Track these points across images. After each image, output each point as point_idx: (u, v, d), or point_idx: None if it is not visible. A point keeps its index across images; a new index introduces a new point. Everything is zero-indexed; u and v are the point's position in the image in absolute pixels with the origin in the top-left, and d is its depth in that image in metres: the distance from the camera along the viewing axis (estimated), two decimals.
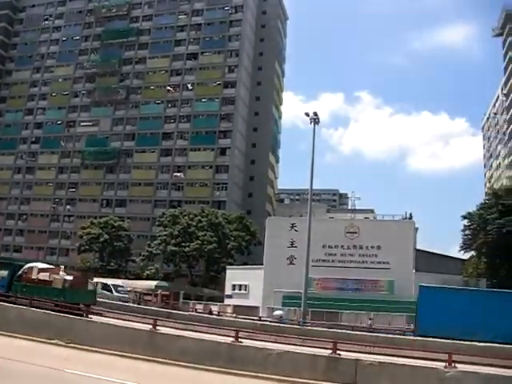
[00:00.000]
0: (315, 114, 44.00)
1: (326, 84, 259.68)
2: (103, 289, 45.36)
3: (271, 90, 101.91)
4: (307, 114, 44.26)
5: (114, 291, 46.24)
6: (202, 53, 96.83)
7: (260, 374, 15.38)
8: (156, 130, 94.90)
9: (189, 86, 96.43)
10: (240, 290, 60.01)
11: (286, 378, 15.09)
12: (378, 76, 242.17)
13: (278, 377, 15.21)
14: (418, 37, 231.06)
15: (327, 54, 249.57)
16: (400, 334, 30.88)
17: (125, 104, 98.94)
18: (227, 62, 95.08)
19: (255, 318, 40.84)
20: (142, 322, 19.97)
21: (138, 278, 70.82)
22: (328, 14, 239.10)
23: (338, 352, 16.03)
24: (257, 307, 52.77)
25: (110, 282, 50.94)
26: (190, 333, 18.75)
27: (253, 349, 16.58)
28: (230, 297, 59.83)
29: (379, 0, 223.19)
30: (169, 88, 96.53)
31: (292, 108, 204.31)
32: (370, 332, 30.96)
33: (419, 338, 25.89)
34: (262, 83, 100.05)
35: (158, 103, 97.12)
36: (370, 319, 40.63)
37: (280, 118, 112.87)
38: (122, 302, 40.44)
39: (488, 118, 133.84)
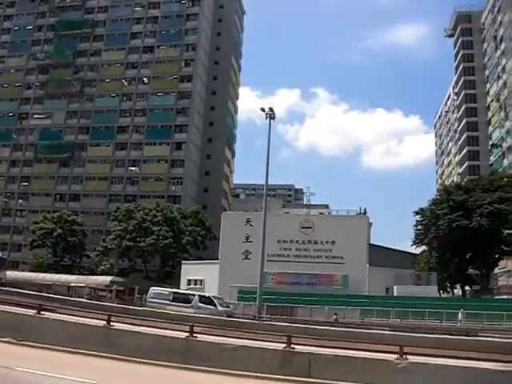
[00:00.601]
0: (271, 109, 44.07)
1: (283, 80, 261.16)
2: (201, 302, 39.15)
3: (227, 84, 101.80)
4: (263, 110, 44.24)
5: (218, 306, 39.02)
6: (159, 46, 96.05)
7: (216, 369, 15.44)
8: (111, 123, 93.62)
9: (144, 79, 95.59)
10: (195, 284, 59.91)
11: (241, 373, 15.20)
12: (335, 72, 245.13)
13: (234, 371, 15.30)
14: (374, 35, 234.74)
15: (284, 50, 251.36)
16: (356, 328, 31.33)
17: (79, 97, 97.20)
18: (183, 56, 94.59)
19: None
20: (97, 318, 19.72)
21: (93, 273, 69.94)
22: (285, 10, 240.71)
23: (292, 346, 16.19)
24: None
25: (208, 293, 43.65)
26: (146, 328, 18.64)
27: (208, 344, 16.63)
28: None
29: None
30: (124, 81, 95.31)
31: (248, 103, 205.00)
32: (334, 327, 31.20)
33: (373, 332, 26.38)
34: (218, 78, 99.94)
35: (113, 96, 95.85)
36: (336, 314, 40.88)
37: (236, 112, 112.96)
38: (228, 316, 35.64)
39: (440, 116, 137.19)
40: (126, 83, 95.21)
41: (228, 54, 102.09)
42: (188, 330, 17.28)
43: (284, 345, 16.28)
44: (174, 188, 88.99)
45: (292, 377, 14.85)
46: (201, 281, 59.86)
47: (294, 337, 16.83)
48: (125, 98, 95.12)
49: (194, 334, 17.22)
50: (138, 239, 70.30)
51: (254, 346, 16.59)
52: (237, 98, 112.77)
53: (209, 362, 15.60)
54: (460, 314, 39.75)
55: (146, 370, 15.19)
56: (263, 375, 15.04)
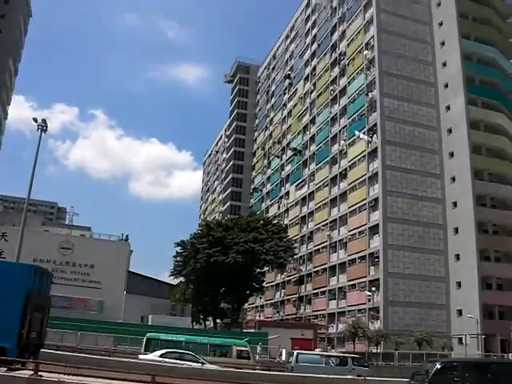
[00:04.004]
0: (44, 121, 42.00)
1: (63, 95, 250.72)
2: None
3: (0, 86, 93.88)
4: (35, 120, 42.00)
5: None
6: None
7: None
8: None
9: None
10: None
11: None
12: (117, 97, 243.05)
13: None
14: (158, 68, 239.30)
15: (70, 66, 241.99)
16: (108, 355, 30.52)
17: None
18: None
19: None
20: None
21: None
22: (76, 24, 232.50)
23: (39, 373, 15.32)
24: None
25: None
26: None
27: None
28: None
29: (128, 21, 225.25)
30: None
31: (20, 113, 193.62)
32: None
33: (125, 360, 25.94)
34: None
35: None
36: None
37: (5, 118, 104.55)
38: None
39: (210, 155, 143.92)
40: None
41: (5, 55, 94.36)
42: None
43: (31, 372, 15.31)
44: None
45: None
46: None
47: (41, 363, 15.98)
48: None
49: None
50: None
51: None
52: (8, 104, 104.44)
53: None
54: (259, 348, 40.97)
55: None
56: None
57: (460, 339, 52.68)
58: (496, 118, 62.28)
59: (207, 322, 74.83)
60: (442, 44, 65.65)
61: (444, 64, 64.82)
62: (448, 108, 63.02)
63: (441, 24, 66.29)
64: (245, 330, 56.46)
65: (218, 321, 70.36)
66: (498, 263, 58.43)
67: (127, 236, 69.16)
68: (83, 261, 55.81)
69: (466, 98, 60.93)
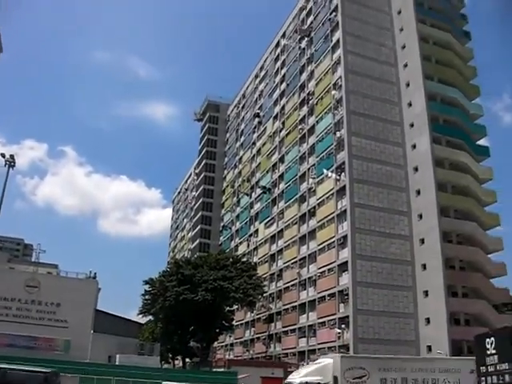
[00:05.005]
0: (11, 156, 41.95)
1: (32, 131, 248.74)
2: None
3: None
4: (3, 155, 41.92)
5: None
6: None
7: None
8: None
9: None
10: None
11: None
12: (86, 134, 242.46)
13: None
14: (128, 105, 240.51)
15: (38, 102, 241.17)
16: None
17: None
18: None
19: None
20: None
21: None
22: (46, 61, 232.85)
23: None
24: None
25: None
26: None
27: None
28: None
29: (98, 58, 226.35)
30: None
31: None
32: None
33: None
34: None
35: None
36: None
37: None
38: None
39: (179, 193, 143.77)
40: None
41: None
42: None
43: None
44: None
45: None
46: None
47: None
48: None
49: None
50: None
51: None
52: None
53: None
54: None
55: None
56: None
57: None
58: (460, 157, 63.87)
59: (176, 362, 73.56)
60: (407, 85, 67.55)
61: (409, 104, 66.55)
62: (414, 146, 64.45)
63: (406, 66, 68.35)
64: (214, 369, 55.57)
65: (187, 360, 69.21)
66: (465, 299, 59.02)
67: (95, 274, 67.97)
68: (50, 299, 54.32)
69: (431, 136, 62.40)
